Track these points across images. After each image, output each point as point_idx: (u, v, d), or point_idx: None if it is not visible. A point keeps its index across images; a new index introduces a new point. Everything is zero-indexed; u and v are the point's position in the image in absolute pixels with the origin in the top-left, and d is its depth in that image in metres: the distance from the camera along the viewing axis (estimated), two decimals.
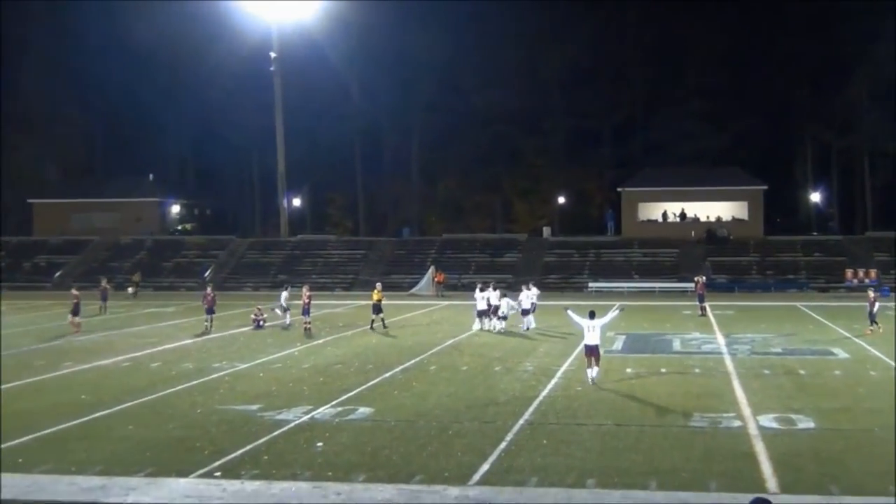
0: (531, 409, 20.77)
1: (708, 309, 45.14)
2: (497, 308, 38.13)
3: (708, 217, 75.79)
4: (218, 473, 15.71)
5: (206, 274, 70.53)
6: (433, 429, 18.81)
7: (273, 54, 76.59)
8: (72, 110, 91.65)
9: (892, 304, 47.10)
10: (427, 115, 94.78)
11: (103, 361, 29.31)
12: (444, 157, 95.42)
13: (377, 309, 38.38)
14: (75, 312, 38.48)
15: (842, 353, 30.02)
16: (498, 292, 38.83)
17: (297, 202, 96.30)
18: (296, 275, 69.16)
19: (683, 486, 14.78)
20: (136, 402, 22.12)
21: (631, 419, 19.58)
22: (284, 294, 41.16)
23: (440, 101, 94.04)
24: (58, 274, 72.63)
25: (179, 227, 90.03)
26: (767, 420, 19.39)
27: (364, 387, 23.95)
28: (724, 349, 31.33)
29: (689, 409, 20.50)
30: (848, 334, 35.36)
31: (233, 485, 15.10)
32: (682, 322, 41.76)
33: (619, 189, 79.04)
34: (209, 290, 40.14)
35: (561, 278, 67.59)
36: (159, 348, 32.77)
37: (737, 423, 19.17)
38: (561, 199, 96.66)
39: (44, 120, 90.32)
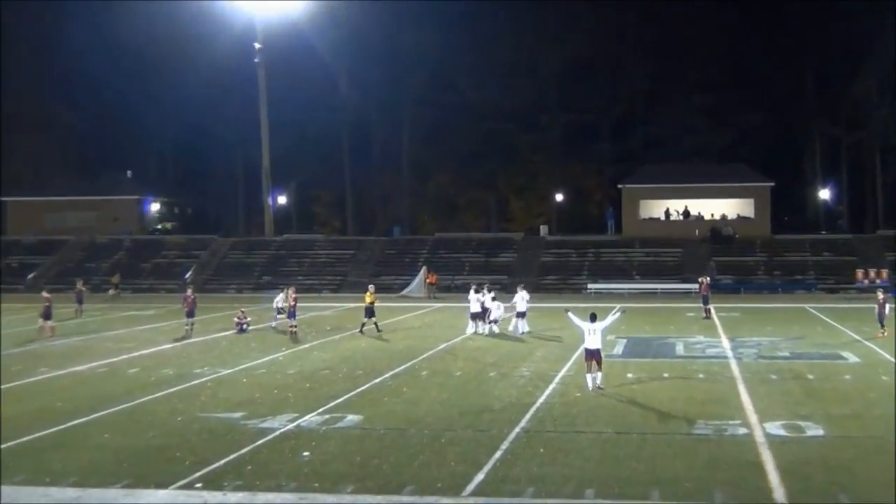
0: (528, 416, 20.73)
1: (712, 311, 45.22)
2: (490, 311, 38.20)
3: (712, 215, 75.92)
4: (199, 485, 15.65)
5: (187, 275, 70.43)
6: (425, 437, 18.78)
7: (257, 45, 76.54)
8: (45, 104, 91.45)
9: None
10: (419, 109, 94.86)
11: (79, 367, 29.22)
12: (437, 153, 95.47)
13: (370, 312, 38.31)
14: (46, 316, 38.30)
15: (852, 357, 30.05)
16: (491, 295, 38.81)
17: (282, 200, 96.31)
18: (281, 276, 69.20)
19: (687, 497, 14.77)
20: (113, 409, 22.04)
21: (632, 426, 19.57)
22: (281, 296, 41.06)
23: (433, 94, 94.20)
24: (31, 275, 72.44)
25: (159, 227, 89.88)
26: (774, 427, 19.38)
27: (352, 393, 23.90)
28: (729, 353, 31.34)
29: (692, 416, 20.49)
30: (858, 337, 35.41)
31: (215, 496, 15.05)
32: (685, 325, 41.77)
33: (619, 186, 79.12)
34: (189, 292, 40.08)
35: (559, 279, 67.62)
36: (137, 353, 32.66)
37: (742, 431, 19.17)
38: (559, 197, 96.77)
39: (15, 114, 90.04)
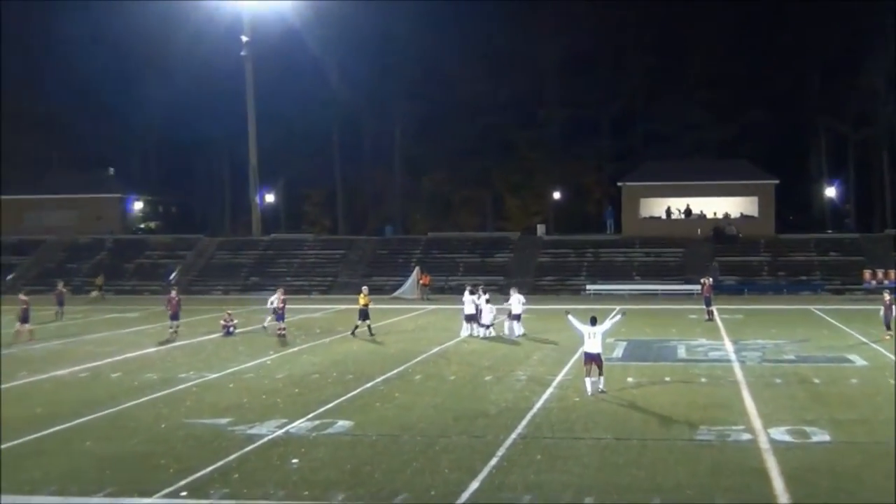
0: (524, 421, 20.75)
1: (715, 313, 45.29)
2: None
3: (715, 214, 76.01)
4: (184, 493, 15.63)
5: (172, 276, 70.37)
6: (418, 443, 18.78)
7: (244, 38, 76.48)
8: (23, 99, 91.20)
9: None
10: (412, 103, 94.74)
11: (60, 371, 29.18)
12: (430, 149, 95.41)
13: (364, 314, 38.33)
14: (24, 320, 38.13)
15: (859, 361, 30.11)
16: (486, 297, 38.79)
17: (270, 198, 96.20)
18: (269, 277, 69.28)
19: None
20: (95, 415, 22.02)
21: (632, 432, 19.59)
22: (276, 296, 40.97)
23: (426, 88, 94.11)
24: (10, 277, 72.27)
25: (142, 226, 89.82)
26: (779, 433, 19.41)
27: (343, 398, 23.90)
28: (732, 356, 31.38)
29: (694, 422, 20.52)
30: (865, 340, 35.46)
31: None
32: (687, 327, 41.82)
33: (619, 184, 79.19)
34: (174, 293, 40.04)
35: (556, 280, 67.66)
36: (120, 357, 32.63)
37: (746, 437, 19.20)
38: (556, 195, 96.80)
39: None
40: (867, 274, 62.92)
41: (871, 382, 25.76)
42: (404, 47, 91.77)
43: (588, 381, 23.94)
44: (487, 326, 38.00)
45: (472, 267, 69.80)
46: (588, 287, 64.89)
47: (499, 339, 37.16)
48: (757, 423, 20.40)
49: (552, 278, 68.10)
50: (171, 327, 38.62)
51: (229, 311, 41.67)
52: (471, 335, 37.69)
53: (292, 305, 42.91)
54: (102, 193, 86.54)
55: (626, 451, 18.04)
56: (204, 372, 28.68)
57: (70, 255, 76.62)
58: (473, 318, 38.13)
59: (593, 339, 23.82)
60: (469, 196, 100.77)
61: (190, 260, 75.18)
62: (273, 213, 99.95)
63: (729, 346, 34.41)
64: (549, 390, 24.75)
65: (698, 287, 51.87)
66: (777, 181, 75.60)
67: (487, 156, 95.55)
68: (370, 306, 38.97)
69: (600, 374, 24.03)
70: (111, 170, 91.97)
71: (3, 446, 18.81)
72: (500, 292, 48.99)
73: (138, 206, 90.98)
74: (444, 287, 65.23)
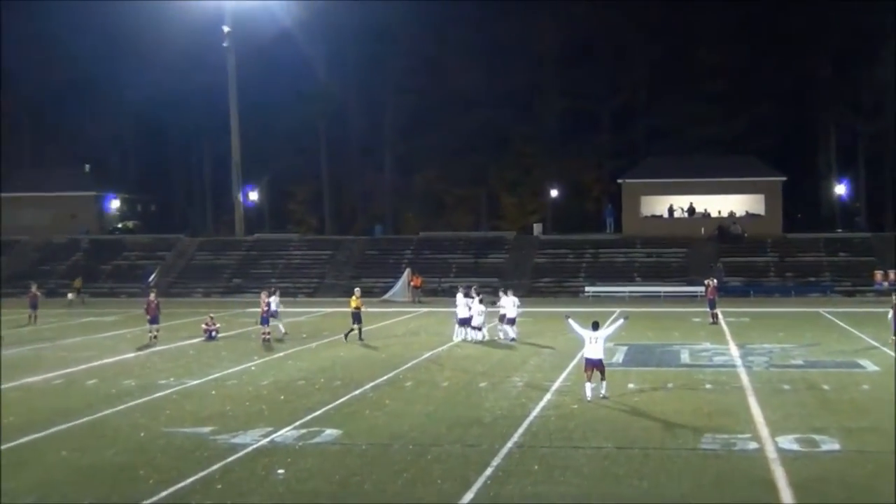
0: (520, 430, 20.76)
1: (720, 316, 45.32)
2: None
3: (720, 212, 76.15)
4: None
5: (151, 278, 70.31)
6: (410, 453, 18.79)
7: (226, 28, 76.40)
8: None
9: None
10: (402, 96, 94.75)
11: (32, 378, 29.11)
12: (422, 145, 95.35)
13: (357, 317, 38.40)
14: None
15: (870, 366, 30.17)
16: (478, 298, 38.80)
17: (253, 196, 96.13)
18: (252, 279, 69.26)
19: None
20: (70, 424, 21.99)
21: (633, 441, 19.61)
22: (274, 299, 41.00)
23: (417, 80, 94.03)
24: None
25: (120, 225, 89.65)
26: (787, 441, 19.45)
27: (331, 406, 23.89)
28: (738, 361, 31.43)
29: (699, 430, 20.54)
30: (877, 344, 35.52)
31: None
32: (690, 331, 41.90)
33: (619, 181, 79.32)
34: (153, 296, 40.01)
35: (554, 282, 67.73)
36: (97, 363, 32.58)
37: (753, 445, 19.23)
38: (554, 193, 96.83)
39: None
40: (878, 275, 63.06)
41: (883, 389, 25.77)
42: (394, 37, 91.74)
43: (588, 386, 23.98)
44: (479, 329, 38.03)
45: (466, 268, 69.82)
46: (587, 289, 64.94)
47: (494, 343, 37.18)
48: (764, 431, 20.44)
49: (549, 280, 68.15)
50: (150, 332, 38.55)
51: (211, 315, 41.59)
52: (464, 339, 37.71)
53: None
54: (78, 191, 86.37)
55: (627, 460, 18.06)
56: (185, 378, 28.65)
57: (44, 257, 76.50)
58: (467, 322, 38.15)
59: (595, 345, 23.87)
60: (462, 194, 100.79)
61: (170, 261, 75.10)
62: (257, 212, 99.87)
63: (734, 350, 34.45)
64: (547, 397, 24.77)
65: (702, 289, 51.91)
66: (784, 178, 75.78)
67: (482, 152, 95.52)
68: (363, 309, 39.01)
69: (602, 378, 24.10)
70: (87, 167, 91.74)
71: None
72: (494, 294, 48.87)
73: (115, 204, 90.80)
74: (436, 289, 65.22)
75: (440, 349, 35.53)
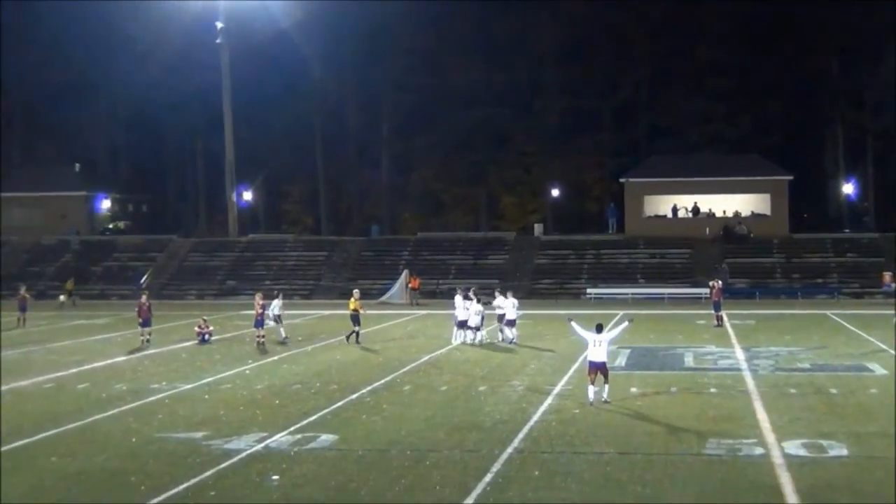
0: (521, 435, 20.76)
1: (725, 318, 45.33)
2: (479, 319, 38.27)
3: (724, 212, 76.11)
4: None
5: (143, 280, 70.31)
6: (407, 459, 18.79)
7: (219, 24, 76.32)
8: None
9: None
10: (399, 94, 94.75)
11: (22, 382, 29.11)
12: (419, 143, 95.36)
13: (356, 319, 38.41)
14: None
15: (879, 369, 30.16)
16: (475, 300, 38.76)
17: (248, 196, 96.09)
18: (246, 280, 69.24)
19: None
20: (60, 429, 21.99)
21: (636, 447, 19.61)
22: (276, 303, 41.01)
23: (414, 78, 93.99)
24: None
25: (111, 226, 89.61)
26: (794, 447, 19.45)
27: (327, 410, 23.89)
28: (743, 365, 31.44)
29: (703, 435, 20.55)
30: (886, 347, 35.42)
31: None
32: (695, 333, 41.89)
33: (621, 180, 79.25)
34: (144, 298, 40.00)
35: (555, 283, 67.71)
36: (87, 367, 32.57)
37: (759, 451, 19.23)
38: (555, 192, 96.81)
39: None
40: (887, 276, 62.92)
41: (891, 393, 25.68)
42: (391, 33, 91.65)
43: (591, 389, 24.02)
44: (475, 329, 38.02)
45: (465, 269, 69.80)
46: (589, 291, 64.92)
47: (493, 346, 37.18)
48: (770, 436, 20.43)
49: (550, 281, 68.14)
50: (141, 335, 38.59)
51: (204, 318, 41.62)
52: (464, 342, 37.71)
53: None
54: (68, 191, 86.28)
55: (629, 466, 18.05)
56: (177, 382, 28.64)
57: (33, 258, 76.44)
58: (466, 324, 38.15)
59: (599, 348, 23.89)
60: (461, 193, 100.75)
61: (162, 262, 75.06)
62: (251, 213, 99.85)
63: (740, 353, 34.45)
64: (548, 401, 24.77)
65: (707, 290, 51.86)
66: (791, 177, 75.66)
67: (481, 150, 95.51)
68: (361, 311, 38.98)
69: (605, 382, 24.11)
70: (77, 166, 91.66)
71: None
72: (493, 296, 48.85)
73: (106, 204, 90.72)
74: (434, 291, 65.19)
75: (439, 352, 35.51)
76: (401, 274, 65.26)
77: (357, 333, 38.35)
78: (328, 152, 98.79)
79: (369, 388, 27.28)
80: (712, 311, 45.53)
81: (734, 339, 38.98)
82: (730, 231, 72.17)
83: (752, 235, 71.64)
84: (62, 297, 62.56)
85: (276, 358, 34.45)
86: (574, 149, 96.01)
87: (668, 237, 72.51)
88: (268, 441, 20.37)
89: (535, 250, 73.03)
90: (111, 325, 48.73)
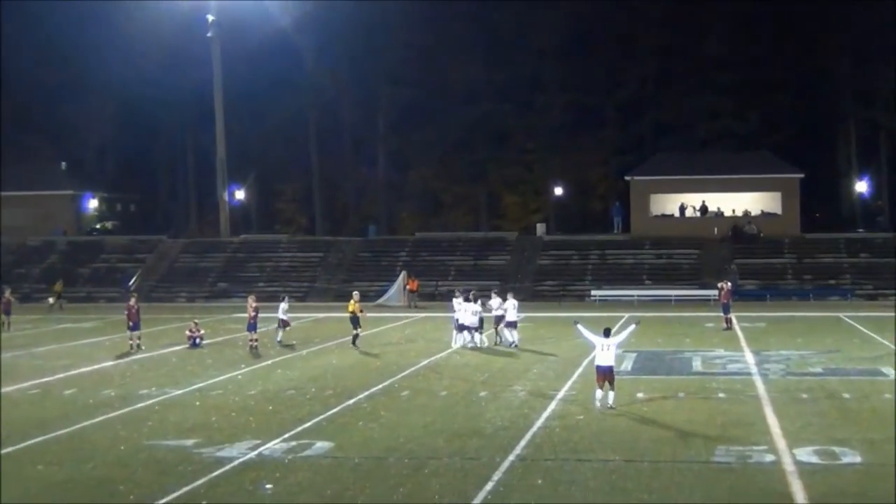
0: (523, 441, 20.78)
1: (734, 321, 45.34)
2: (481, 319, 38.28)
3: (733, 211, 76.09)
4: None
5: (131, 282, 70.31)
6: (406, 466, 18.80)
7: (210, 17, 76.32)
8: None
9: None
10: (396, 89, 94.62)
11: (6, 388, 29.05)
12: (418, 140, 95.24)
13: (356, 322, 38.42)
14: None
15: (893, 374, 30.15)
16: (469, 302, 38.78)
17: (240, 195, 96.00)
18: (239, 282, 69.24)
19: None
20: (46, 436, 21.98)
21: (643, 454, 19.62)
22: (283, 306, 41.08)
23: (412, 72, 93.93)
24: None
25: (98, 226, 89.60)
26: (806, 454, 19.46)
27: (322, 417, 23.91)
28: (753, 369, 31.46)
29: (712, 441, 20.57)
30: None
31: None
32: (703, 337, 41.93)
33: (627, 178, 79.20)
34: (133, 301, 39.95)
35: (558, 285, 67.71)
36: (74, 372, 32.59)
37: (769, 458, 19.25)
38: (558, 191, 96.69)
39: None
40: None
41: None
42: (388, 26, 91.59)
43: (598, 393, 24.09)
44: (475, 329, 38.01)
45: (465, 271, 69.82)
46: (593, 293, 64.94)
47: (494, 350, 37.19)
48: (781, 442, 20.45)
49: (553, 283, 68.14)
50: (130, 339, 38.57)
51: (195, 321, 41.63)
52: (464, 346, 37.72)
53: (265, 314, 42.86)
54: (53, 190, 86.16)
55: (635, 474, 18.07)
56: (167, 388, 28.64)
57: (18, 259, 76.38)
58: (467, 328, 38.17)
59: (607, 352, 23.97)
60: (461, 192, 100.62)
61: (151, 264, 75.03)
62: (243, 212, 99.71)
63: (749, 357, 34.47)
64: (551, 407, 24.79)
65: (715, 292, 51.92)
66: (802, 174, 75.63)
67: (481, 147, 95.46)
68: (360, 314, 38.96)
69: (611, 388, 24.14)
70: (63, 164, 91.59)
71: None
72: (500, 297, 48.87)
73: (93, 204, 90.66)
74: (433, 293, 65.20)
75: (438, 356, 35.53)
76: (398, 275, 65.24)
77: (354, 337, 38.35)
78: (323, 149, 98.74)
79: (366, 393, 27.29)
80: (721, 314, 45.53)
81: (744, 343, 39.00)
82: (739, 231, 72.17)
83: (762, 235, 71.65)
84: (51, 300, 62.57)
85: (269, 362, 34.45)
86: (577, 146, 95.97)
87: (675, 237, 72.50)
88: (261, 448, 20.37)
89: (538, 251, 73.03)
90: (99, 328, 48.74)
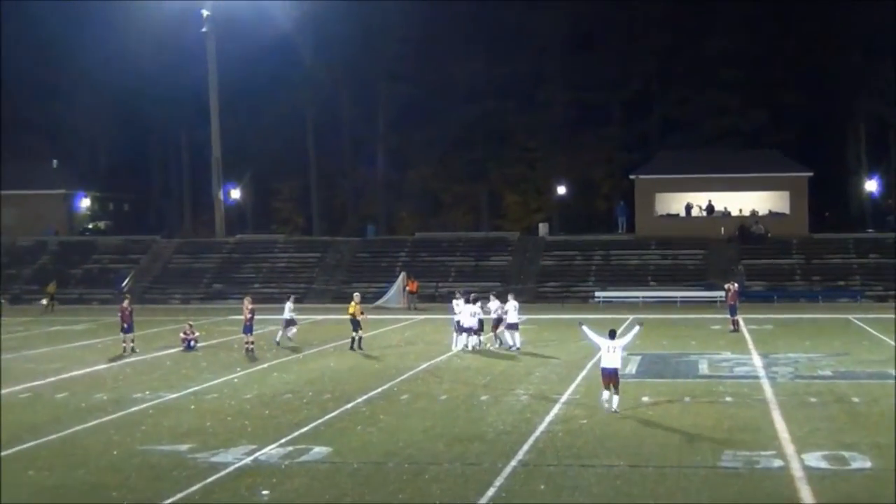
0: (525, 446, 20.78)
1: (741, 323, 45.32)
2: (480, 321, 38.30)
3: (741, 210, 76.08)
4: None
5: (124, 283, 70.27)
6: (405, 472, 18.79)
7: (205, 12, 76.30)
8: None
9: None
10: (396, 85, 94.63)
11: None
12: (417, 138, 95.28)
13: (356, 325, 38.43)
14: None
15: None
16: (477, 304, 38.78)
17: (235, 194, 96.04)
18: (234, 283, 69.28)
19: None
20: (37, 441, 21.98)
21: (648, 459, 19.62)
22: (289, 305, 41.12)
23: (412, 68, 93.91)
24: None
25: (91, 226, 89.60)
26: (814, 459, 19.46)
27: (320, 421, 23.91)
28: (761, 372, 31.47)
29: (718, 446, 20.57)
30: None
31: None
32: (709, 339, 41.93)
33: (631, 177, 79.19)
34: (126, 303, 39.93)
35: (561, 286, 67.72)
36: (66, 375, 32.58)
37: (777, 463, 19.25)
38: (561, 190, 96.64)
39: None
40: None
41: None
42: (387, 21, 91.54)
43: (605, 394, 24.13)
44: (475, 331, 38.01)
45: (466, 272, 69.82)
46: (597, 294, 64.96)
47: (496, 353, 37.19)
48: (789, 447, 20.45)
49: (556, 284, 68.14)
50: (123, 341, 38.54)
51: (190, 323, 41.65)
52: (465, 349, 37.72)
53: (261, 316, 42.81)
54: (45, 189, 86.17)
55: (640, 480, 18.07)
56: (161, 392, 28.64)
57: (9, 260, 76.32)
58: (467, 330, 38.15)
59: (612, 354, 24.00)
60: (461, 191, 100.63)
61: (144, 264, 75.03)
62: (239, 211, 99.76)
63: (757, 360, 34.46)
64: (554, 411, 24.79)
65: (722, 294, 51.96)
66: (811, 173, 75.60)
67: (482, 145, 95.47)
68: (361, 317, 38.92)
69: (615, 392, 24.15)
70: (54, 162, 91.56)
71: None
72: (499, 299, 48.86)
73: (86, 203, 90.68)
74: (433, 294, 65.22)
75: (438, 359, 35.53)
76: (398, 276, 65.24)
77: (356, 339, 38.29)
78: (321, 147, 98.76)
79: (365, 397, 27.29)
80: (728, 316, 45.54)
81: (751, 345, 39.00)
82: (746, 231, 72.15)
83: (769, 235, 71.63)
84: (44, 301, 62.60)
85: (265, 366, 34.45)
86: (581, 144, 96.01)
87: (680, 237, 72.48)
88: (257, 454, 20.37)
89: (540, 251, 73.03)
90: (91, 330, 48.73)
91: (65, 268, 74.36)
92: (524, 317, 39.54)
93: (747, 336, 42.48)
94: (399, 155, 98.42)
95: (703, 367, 32.97)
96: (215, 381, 30.61)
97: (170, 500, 17.00)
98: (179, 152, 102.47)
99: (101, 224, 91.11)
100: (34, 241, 79.36)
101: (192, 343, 39.70)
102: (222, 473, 18.84)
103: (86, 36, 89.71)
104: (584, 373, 30.55)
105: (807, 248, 70.32)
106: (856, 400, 26.12)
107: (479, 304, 38.70)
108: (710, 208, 76.53)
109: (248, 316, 38.50)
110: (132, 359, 36.80)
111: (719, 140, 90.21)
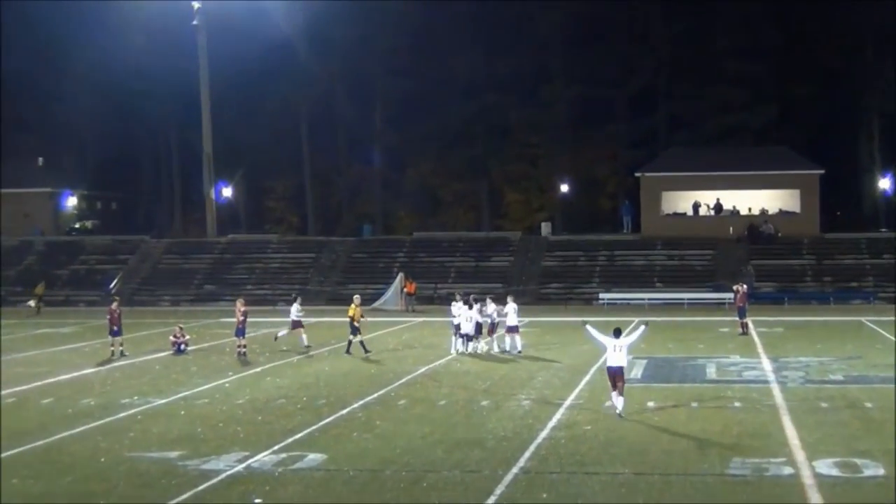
0: (527, 453, 20.79)
1: (750, 325, 45.37)
2: (479, 325, 38.32)
3: (750, 209, 76.09)
4: None
5: (112, 285, 70.27)
6: (403, 480, 18.80)
7: (196, 4, 76.29)
8: None
9: None
10: (393, 80, 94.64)
11: None
12: (416, 135, 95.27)
13: (354, 329, 38.42)
14: None
15: None
16: (478, 306, 38.79)
17: (227, 193, 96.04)
18: (226, 285, 69.26)
19: None
20: (22, 448, 21.97)
21: (653, 466, 19.64)
22: (296, 306, 41.16)
23: (410, 62, 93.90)
24: None
25: (77, 226, 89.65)
26: (826, 466, 19.47)
27: (314, 427, 23.92)
28: (770, 377, 31.47)
29: (727, 453, 20.58)
30: None
31: None
32: (717, 342, 41.94)
33: (637, 174, 79.20)
34: (115, 305, 39.95)
35: (564, 288, 67.72)
36: (52, 380, 32.58)
37: (787, 471, 19.25)
38: (564, 188, 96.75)
39: None
40: None
41: None
42: (384, 13, 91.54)
43: (614, 395, 24.19)
44: (469, 337, 38.03)
45: (466, 273, 69.81)
46: (601, 296, 64.96)
47: (496, 357, 37.21)
48: (800, 454, 20.46)
49: (559, 285, 68.14)
50: (111, 344, 38.56)
51: (180, 326, 41.64)
52: (464, 352, 37.72)
53: (254, 318, 42.91)
54: (30, 188, 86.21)
55: (646, 488, 18.08)
56: (150, 397, 28.64)
57: None
58: (467, 334, 38.19)
59: (618, 353, 24.14)
60: (461, 189, 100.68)
61: (133, 265, 75.02)
62: (231, 211, 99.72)
63: (767, 364, 34.47)
64: (557, 417, 24.79)
65: (730, 295, 51.92)
66: (822, 171, 75.56)
67: (482, 142, 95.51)
68: (361, 319, 38.89)
69: (620, 395, 24.20)
70: (40, 160, 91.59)
71: None
72: (497, 302, 48.86)
73: (72, 202, 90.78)
74: (432, 296, 65.23)
75: (437, 363, 35.54)
76: (395, 277, 65.26)
77: (355, 343, 38.16)
78: (315, 144, 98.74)
79: (361, 402, 27.30)
80: (736, 318, 45.57)
81: (760, 349, 39.02)
82: (755, 230, 72.15)
83: (779, 235, 71.62)
84: (31, 303, 62.58)
85: (258, 370, 34.45)
86: (585, 141, 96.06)
87: (687, 237, 72.45)
88: (250, 461, 20.37)
89: (543, 252, 73.02)
90: (78, 333, 48.71)
91: (51, 268, 74.27)
92: (526, 319, 39.55)
93: (756, 339, 42.51)
94: (396, 152, 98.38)
95: (711, 372, 32.98)
96: (206, 386, 30.62)
97: None
98: (169, 149, 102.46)
99: (89, 223, 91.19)
100: (19, 242, 79.28)
101: (183, 346, 39.73)
102: (213, 481, 18.84)
103: (73, 31, 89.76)
104: (587, 377, 30.57)
105: (818, 248, 70.33)
106: (868, 405, 26.12)
107: (478, 306, 38.75)
108: (718, 207, 76.51)
109: (241, 318, 38.50)
110: (121, 363, 36.81)
111: (727, 137, 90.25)
